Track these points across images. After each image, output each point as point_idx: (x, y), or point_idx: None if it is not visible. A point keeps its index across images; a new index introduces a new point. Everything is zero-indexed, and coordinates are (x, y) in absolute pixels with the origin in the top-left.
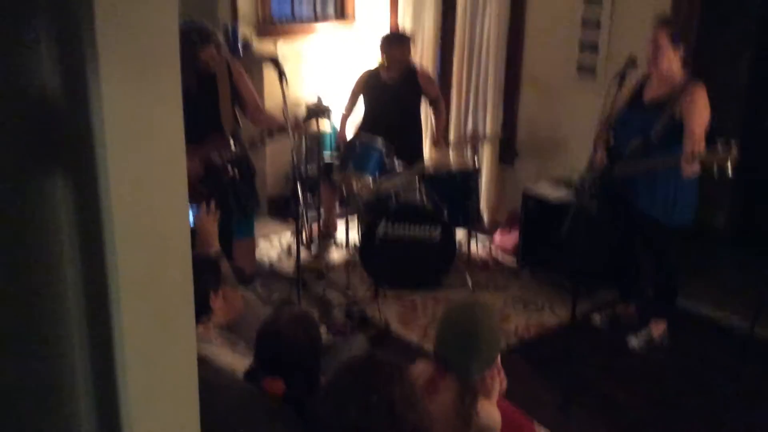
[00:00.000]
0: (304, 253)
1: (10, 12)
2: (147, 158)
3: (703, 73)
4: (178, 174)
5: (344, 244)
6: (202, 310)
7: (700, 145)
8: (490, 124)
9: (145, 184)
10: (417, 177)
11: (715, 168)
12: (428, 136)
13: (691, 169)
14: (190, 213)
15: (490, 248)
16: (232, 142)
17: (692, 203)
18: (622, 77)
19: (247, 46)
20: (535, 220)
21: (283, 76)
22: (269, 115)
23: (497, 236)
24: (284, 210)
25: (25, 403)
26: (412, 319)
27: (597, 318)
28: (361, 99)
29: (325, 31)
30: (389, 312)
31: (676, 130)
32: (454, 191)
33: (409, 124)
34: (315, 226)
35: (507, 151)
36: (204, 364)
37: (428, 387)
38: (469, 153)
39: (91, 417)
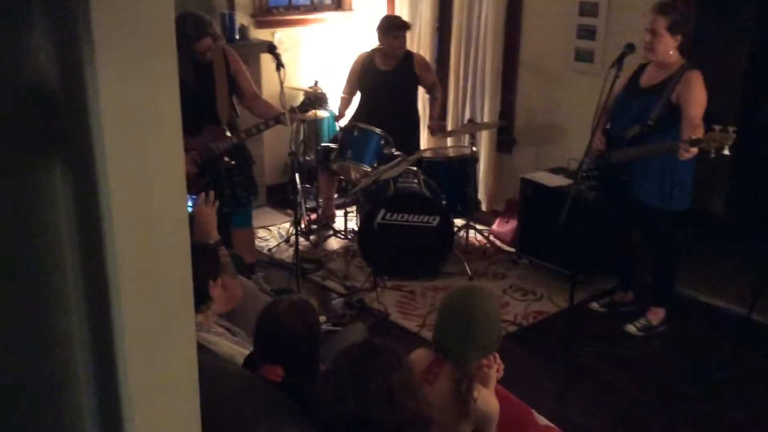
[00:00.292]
0: (302, 242)
1: (6, 2)
2: (145, 148)
3: (701, 59)
4: (176, 163)
5: (343, 232)
6: (202, 299)
7: (697, 131)
8: (487, 111)
9: (143, 174)
10: (415, 165)
11: (713, 151)
12: (426, 124)
13: (688, 154)
14: (189, 202)
15: (488, 236)
16: (229, 132)
17: (689, 188)
18: (619, 64)
19: (244, 34)
20: (533, 207)
21: (281, 66)
22: (266, 105)
23: (495, 224)
24: (283, 199)
25: (26, 397)
26: (410, 307)
27: (595, 305)
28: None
29: (323, 19)
30: (388, 300)
31: (674, 115)
32: (452, 179)
33: (405, 112)
34: (313, 215)
35: (505, 139)
36: (204, 352)
37: (427, 375)
38: (466, 141)
39: (93, 407)
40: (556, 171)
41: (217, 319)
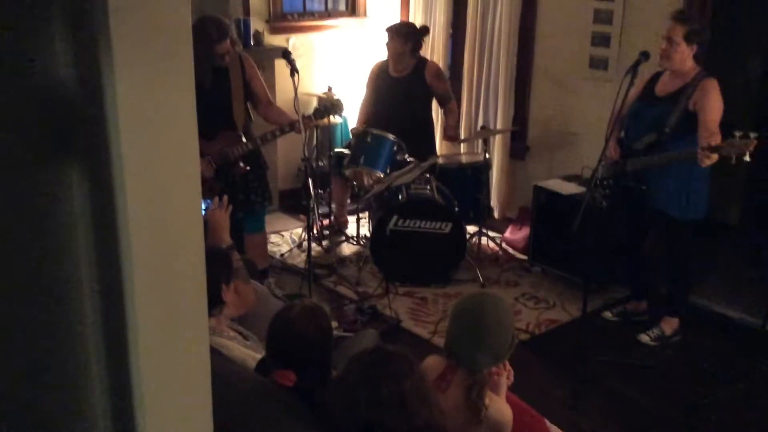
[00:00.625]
0: (315, 248)
1: (26, 10)
2: (161, 153)
3: (717, 68)
4: (191, 166)
5: (355, 238)
6: (215, 303)
7: (715, 138)
8: (501, 118)
9: (158, 176)
10: (428, 172)
11: (734, 158)
12: (440, 131)
13: (709, 160)
14: (202, 207)
15: (500, 243)
16: (243, 137)
17: (705, 197)
18: (634, 72)
19: (258, 40)
20: (546, 215)
21: (295, 71)
22: (280, 112)
23: (508, 231)
24: (296, 204)
25: (40, 396)
26: (422, 314)
27: (608, 314)
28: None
29: (337, 25)
30: (400, 307)
31: (690, 123)
32: (465, 186)
33: (418, 118)
34: (326, 221)
35: (518, 146)
36: (216, 356)
37: (439, 382)
38: (479, 147)
39: (106, 410)
40: (569, 178)
41: (230, 323)
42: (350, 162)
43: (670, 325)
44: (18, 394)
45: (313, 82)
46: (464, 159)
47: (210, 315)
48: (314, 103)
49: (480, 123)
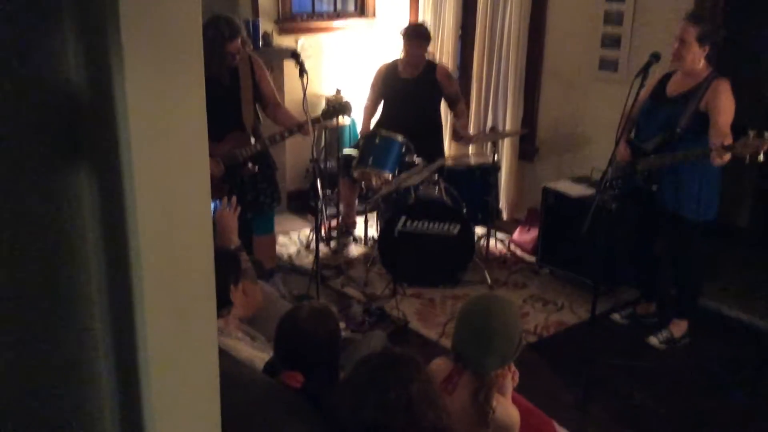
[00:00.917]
0: (323, 249)
1: (36, 10)
2: (170, 154)
3: (729, 69)
4: (201, 168)
5: (363, 239)
6: (223, 304)
7: (726, 139)
8: (510, 119)
9: (168, 177)
10: (436, 173)
11: (747, 158)
12: (449, 133)
13: (721, 160)
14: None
15: (509, 245)
16: (252, 138)
17: (716, 197)
18: (645, 73)
19: (267, 41)
20: (554, 217)
21: (304, 72)
22: (287, 114)
23: (516, 233)
24: (304, 205)
25: (48, 401)
26: (430, 315)
27: (617, 317)
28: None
29: (346, 26)
30: (408, 308)
31: (702, 124)
32: (474, 187)
33: (427, 120)
34: (334, 222)
35: (527, 147)
36: (224, 357)
37: (446, 385)
38: (488, 149)
39: (114, 411)
40: (578, 180)
41: (238, 324)
42: (359, 163)
43: (679, 328)
44: (25, 398)
45: (321, 83)
46: (473, 160)
47: (218, 316)
48: (323, 104)
49: (489, 124)
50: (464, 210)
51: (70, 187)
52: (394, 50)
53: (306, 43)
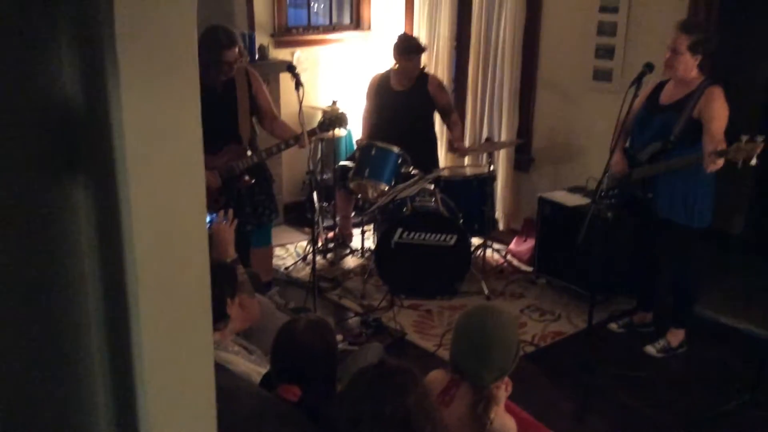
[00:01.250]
0: (319, 261)
1: (31, 18)
2: (166, 166)
3: (723, 76)
4: (197, 180)
5: (360, 251)
6: (219, 317)
7: (721, 144)
8: (505, 130)
9: (163, 190)
10: (432, 184)
11: (740, 162)
12: (443, 144)
13: (715, 165)
14: (207, 220)
15: (505, 255)
16: (249, 151)
17: (711, 204)
18: (638, 83)
19: (263, 54)
20: (551, 227)
21: (300, 85)
22: (284, 126)
23: (513, 243)
24: (300, 217)
25: (45, 414)
26: (427, 327)
27: (614, 326)
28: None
29: (341, 39)
30: (405, 320)
31: (696, 131)
32: (470, 198)
33: (421, 131)
34: (331, 234)
35: (523, 158)
36: (221, 371)
37: (443, 397)
38: (484, 159)
39: (110, 425)
40: (574, 190)
41: (234, 337)
42: (355, 174)
43: (676, 337)
44: (24, 412)
45: (317, 96)
46: (469, 171)
47: (214, 329)
48: (319, 116)
49: (485, 135)
50: (461, 221)
51: (66, 200)
52: (390, 62)
53: (302, 56)
